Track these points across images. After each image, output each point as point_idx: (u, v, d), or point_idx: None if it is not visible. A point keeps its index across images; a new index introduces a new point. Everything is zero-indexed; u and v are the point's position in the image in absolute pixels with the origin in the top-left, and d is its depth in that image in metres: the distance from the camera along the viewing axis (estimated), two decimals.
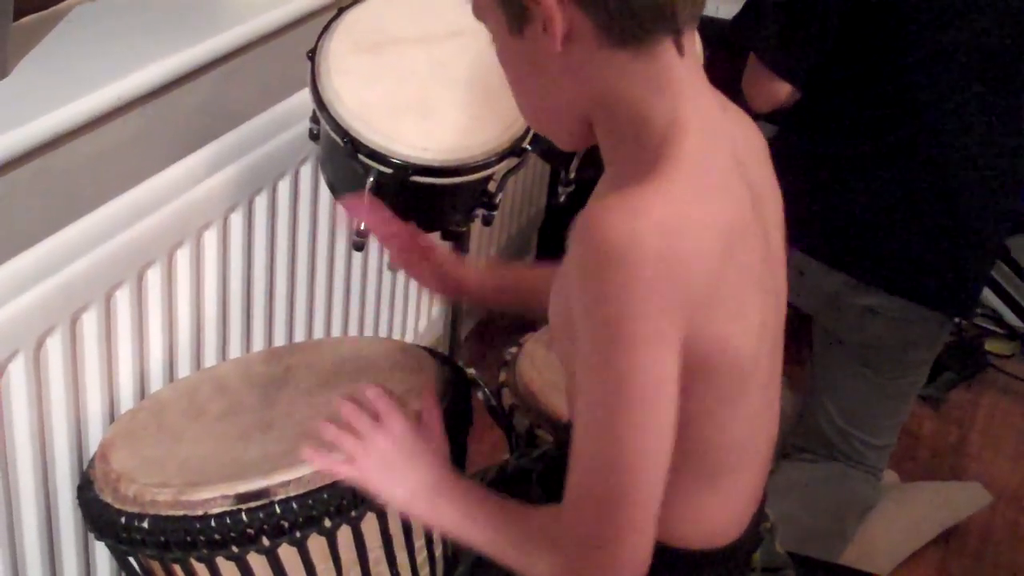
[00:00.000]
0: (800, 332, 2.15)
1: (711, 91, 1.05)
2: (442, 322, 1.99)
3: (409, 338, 2.18)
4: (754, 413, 1.11)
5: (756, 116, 2.05)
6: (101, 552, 1.53)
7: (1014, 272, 2.75)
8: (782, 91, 1.93)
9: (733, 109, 1.11)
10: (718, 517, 1.15)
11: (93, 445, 1.43)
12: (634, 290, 0.92)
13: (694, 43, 1.01)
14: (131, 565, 1.29)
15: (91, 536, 1.49)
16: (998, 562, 2.27)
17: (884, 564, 2.13)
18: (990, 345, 2.84)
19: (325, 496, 1.20)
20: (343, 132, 1.45)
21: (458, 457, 1.35)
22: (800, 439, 2.18)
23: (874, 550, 2.13)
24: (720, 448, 1.10)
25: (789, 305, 2.05)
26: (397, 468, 1.16)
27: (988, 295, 2.81)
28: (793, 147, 1.95)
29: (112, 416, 1.46)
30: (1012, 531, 2.35)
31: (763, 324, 1.07)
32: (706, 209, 0.97)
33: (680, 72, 0.99)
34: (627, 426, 0.95)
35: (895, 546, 2.19)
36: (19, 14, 1.44)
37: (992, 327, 2.87)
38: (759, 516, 1.21)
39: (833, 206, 1.94)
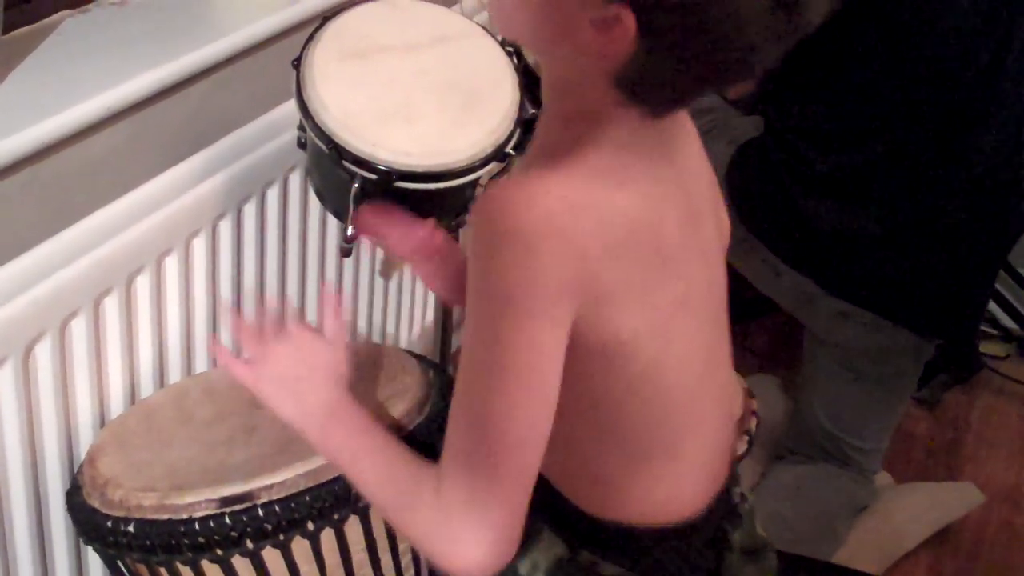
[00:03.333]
0: (792, 336, 2.17)
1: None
2: (434, 329, 2.00)
3: (402, 345, 2.19)
4: (683, 395, 1.11)
5: (746, 107, 2.07)
6: (94, 558, 1.54)
7: (1008, 275, 2.75)
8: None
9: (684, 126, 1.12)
10: (667, 495, 1.15)
11: (83, 451, 1.44)
12: (526, 263, 0.93)
13: None
14: (120, 569, 1.30)
15: (83, 541, 1.51)
16: (992, 563, 2.28)
17: (877, 564, 2.13)
18: (985, 347, 2.84)
19: (307, 499, 1.21)
20: (328, 139, 1.46)
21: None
22: (791, 441, 2.19)
23: (867, 550, 2.14)
24: (650, 428, 1.10)
25: (783, 312, 2.07)
26: (292, 381, 1.12)
27: None
28: (771, 152, 1.97)
29: (102, 422, 1.48)
30: (1006, 531, 2.35)
31: (681, 307, 1.06)
32: (619, 194, 0.98)
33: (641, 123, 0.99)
34: (502, 395, 0.95)
35: (888, 546, 2.20)
36: (9, 27, 1.46)
37: (987, 329, 2.87)
38: (725, 494, 1.21)
39: (803, 215, 1.95)
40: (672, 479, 1.15)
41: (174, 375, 1.60)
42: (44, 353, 1.37)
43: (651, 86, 0.94)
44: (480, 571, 0.97)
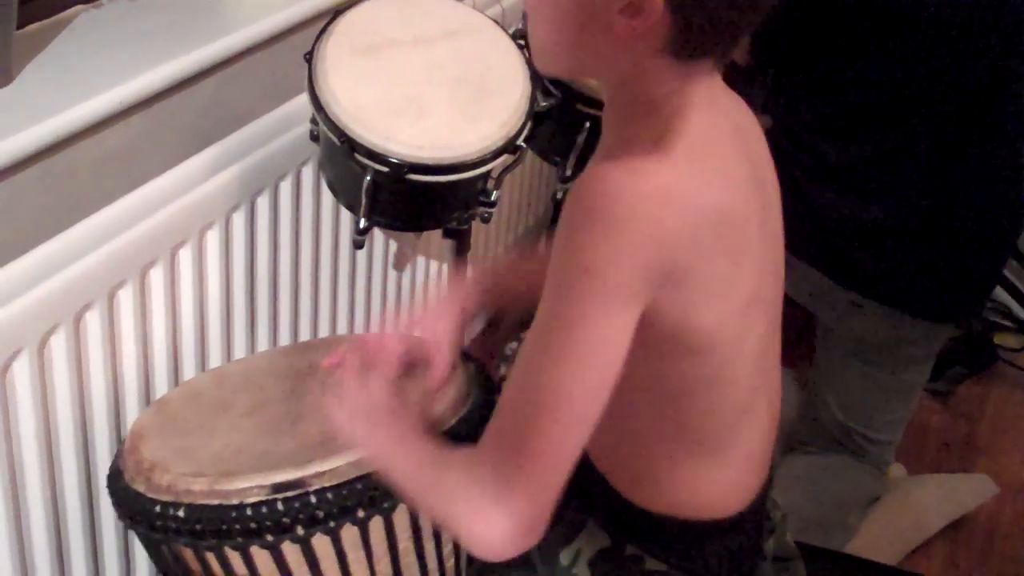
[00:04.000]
0: (806, 329, 2.17)
1: (718, 78, 1.07)
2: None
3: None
4: (749, 388, 1.13)
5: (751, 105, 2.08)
6: (109, 549, 1.56)
7: (1022, 265, 2.75)
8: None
9: (732, 94, 1.13)
10: (718, 488, 1.17)
11: (99, 442, 1.46)
12: (607, 242, 0.93)
13: None
14: (163, 554, 1.31)
15: (126, 525, 1.52)
16: (1006, 554, 2.27)
17: (891, 556, 2.13)
18: (999, 339, 2.83)
19: (359, 487, 1.21)
20: (340, 132, 1.47)
21: None
22: (804, 433, 2.19)
23: (881, 542, 2.14)
24: (715, 420, 1.12)
25: (794, 303, 2.07)
26: (368, 418, 1.16)
27: (997, 289, 2.80)
28: (780, 146, 1.97)
29: (117, 412, 1.49)
30: (1020, 523, 2.35)
31: (754, 301, 1.09)
32: (702, 185, 0.99)
33: (704, 76, 1.02)
34: (559, 373, 0.94)
35: (903, 538, 2.20)
36: (24, 22, 1.47)
37: (1001, 321, 2.87)
38: (765, 493, 1.23)
39: (812, 207, 1.96)
40: (724, 474, 1.17)
41: (188, 366, 1.61)
42: (59, 345, 1.38)
43: (699, 36, 0.96)
44: (501, 544, 0.95)
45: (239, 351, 1.71)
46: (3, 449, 1.35)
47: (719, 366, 1.07)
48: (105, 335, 1.44)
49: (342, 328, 1.95)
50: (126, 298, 1.46)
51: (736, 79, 2.08)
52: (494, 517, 0.94)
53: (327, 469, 1.22)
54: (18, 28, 1.43)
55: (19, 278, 1.34)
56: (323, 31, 1.55)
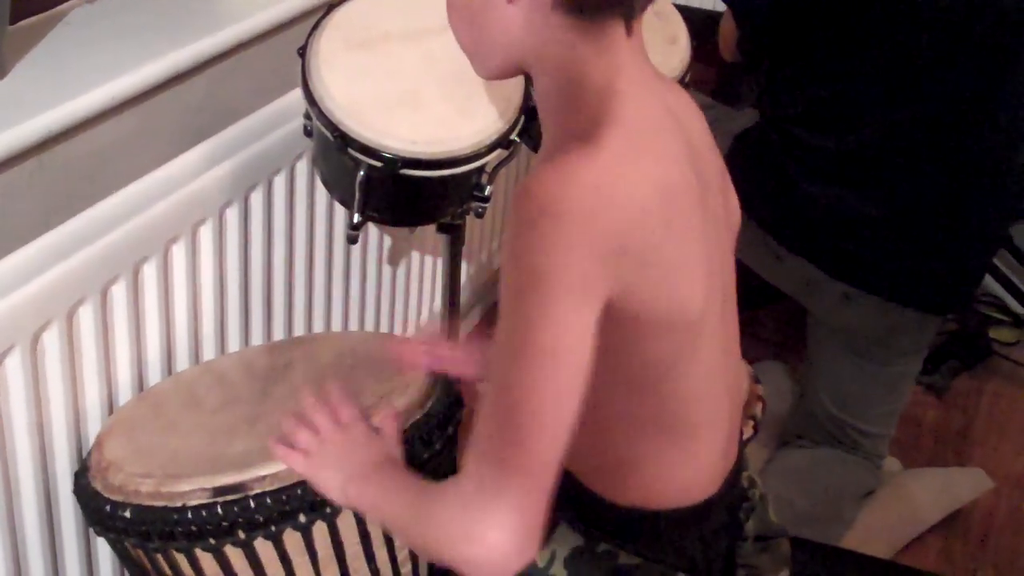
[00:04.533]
0: (800, 323, 2.17)
1: (649, 63, 1.08)
2: (441, 318, 2.01)
3: (410, 333, 2.20)
4: (710, 367, 1.13)
5: (737, 99, 2.09)
6: (103, 548, 1.55)
7: (1017, 260, 2.75)
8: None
9: (669, 80, 1.14)
10: (685, 476, 1.16)
11: (91, 438, 1.45)
12: (558, 242, 0.93)
13: (642, 25, 1.04)
14: (127, 553, 1.32)
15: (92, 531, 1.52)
16: (1001, 548, 2.28)
17: (886, 549, 2.14)
18: (994, 333, 2.84)
19: (299, 492, 1.22)
20: (333, 127, 1.47)
21: (449, 448, 1.36)
22: (798, 427, 2.19)
23: (875, 535, 2.14)
24: (679, 403, 1.11)
25: (785, 296, 2.07)
26: (342, 465, 1.17)
27: (991, 283, 2.81)
28: (769, 139, 1.97)
29: (110, 409, 1.49)
30: (1015, 517, 2.35)
31: (709, 276, 1.08)
32: (641, 168, 0.99)
33: (623, 47, 1.02)
34: (531, 380, 0.93)
35: (898, 531, 2.20)
36: (17, 17, 1.47)
37: (996, 315, 2.87)
38: (735, 474, 1.23)
39: (802, 199, 1.96)
40: (690, 460, 1.16)
41: (181, 362, 1.61)
42: (52, 341, 1.37)
43: None
44: (504, 560, 0.93)
45: (232, 347, 1.71)
46: None
47: (680, 345, 1.07)
48: (98, 331, 1.44)
49: (336, 323, 1.95)
50: (119, 294, 1.46)
51: (730, 75, 2.09)
52: (490, 536, 0.92)
53: (269, 473, 1.22)
54: (12, 23, 1.43)
55: (12, 274, 1.34)
56: (316, 26, 1.55)
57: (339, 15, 1.55)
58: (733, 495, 1.23)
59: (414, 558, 1.36)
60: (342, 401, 1.24)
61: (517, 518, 0.92)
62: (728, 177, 1.18)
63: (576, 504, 1.17)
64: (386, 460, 1.18)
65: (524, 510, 0.93)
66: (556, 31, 1.00)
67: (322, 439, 1.20)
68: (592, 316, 0.96)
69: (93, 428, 1.47)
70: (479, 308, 2.63)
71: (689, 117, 1.13)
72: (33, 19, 1.52)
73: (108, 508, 1.25)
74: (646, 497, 1.15)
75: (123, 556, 1.33)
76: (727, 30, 2.03)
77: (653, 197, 0.99)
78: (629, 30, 1.01)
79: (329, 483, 1.17)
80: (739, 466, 1.24)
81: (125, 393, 1.51)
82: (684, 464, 1.15)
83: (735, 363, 1.21)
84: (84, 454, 1.45)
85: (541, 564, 1.18)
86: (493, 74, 1.10)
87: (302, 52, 1.53)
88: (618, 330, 1.00)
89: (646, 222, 0.98)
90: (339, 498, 1.16)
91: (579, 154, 0.97)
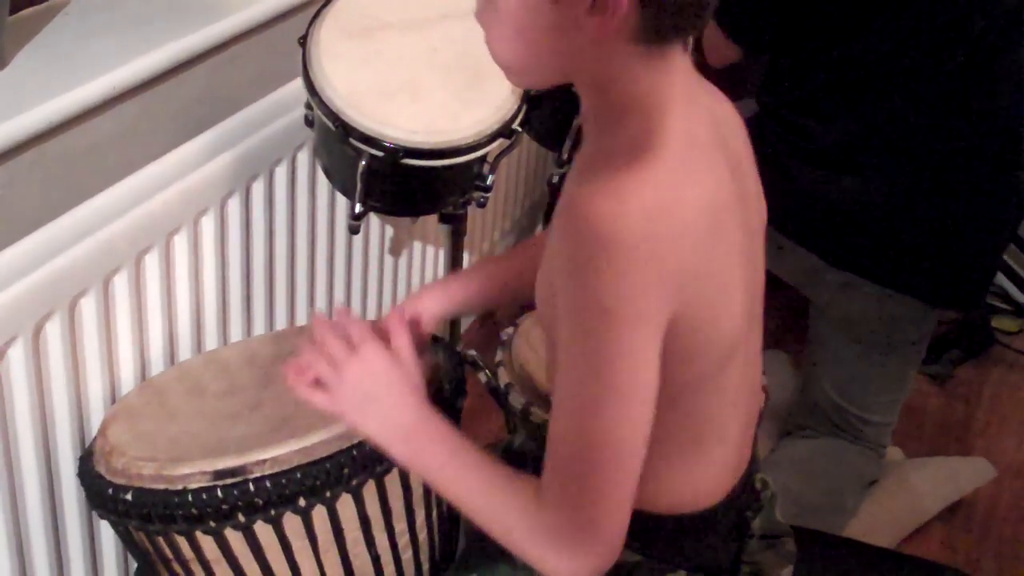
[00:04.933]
0: (803, 313, 2.17)
1: (695, 74, 1.06)
2: None
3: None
4: (734, 383, 1.13)
5: (739, 94, 2.09)
6: (106, 532, 1.56)
7: (1020, 249, 2.75)
8: (732, 51, 1.97)
9: (709, 86, 1.12)
10: (704, 482, 1.17)
11: (94, 427, 1.45)
12: (622, 274, 0.93)
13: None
14: (130, 536, 1.32)
15: (96, 521, 1.52)
16: (1004, 537, 2.28)
17: (888, 539, 2.14)
18: (996, 322, 2.83)
19: (298, 476, 1.22)
20: (334, 117, 1.47)
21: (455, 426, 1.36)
22: (800, 416, 2.19)
23: (878, 525, 2.14)
24: (707, 417, 1.12)
25: (787, 285, 2.07)
26: (373, 401, 1.13)
27: None
28: (769, 127, 1.97)
29: (112, 399, 1.49)
30: (1018, 506, 2.35)
31: (746, 293, 1.09)
32: (693, 187, 0.98)
33: (678, 63, 1.00)
34: (608, 410, 0.96)
35: (901, 520, 2.20)
36: (16, 7, 1.47)
37: (998, 304, 2.87)
38: (748, 478, 1.23)
39: (802, 188, 1.95)
40: (704, 470, 1.17)
41: (184, 352, 1.61)
42: (54, 331, 1.37)
43: (665, 17, 0.95)
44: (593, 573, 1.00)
45: (235, 336, 1.71)
46: None
47: (717, 364, 1.07)
48: (101, 321, 1.44)
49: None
50: (121, 284, 1.46)
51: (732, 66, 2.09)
52: (574, 566, 0.99)
53: (269, 457, 1.23)
54: (11, 13, 1.42)
55: (14, 265, 1.34)
56: (317, 15, 1.55)
57: (340, 4, 1.55)
58: (743, 498, 1.23)
59: (415, 543, 1.36)
60: (350, 320, 1.18)
61: (606, 553, 0.99)
62: (760, 185, 1.17)
63: None
64: (423, 404, 1.13)
65: (612, 546, 0.99)
66: (624, 57, 0.97)
67: (339, 371, 1.14)
68: (658, 344, 0.97)
69: (96, 417, 1.47)
70: (474, 308, 2.63)
71: (732, 129, 1.12)
72: (33, 9, 1.52)
73: (111, 491, 1.26)
74: (655, 503, 1.14)
75: (126, 539, 1.34)
76: (711, 37, 2.02)
77: (704, 218, 0.99)
78: (685, 45, 1.00)
79: (365, 427, 1.13)
80: (752, 468, 1.25)
81: (128, 383, 1.51)
82: (696, 474, 1.16)
83: (756, 375, 1.21)
84: (87, 443, 1.45)
85: None
86: (532, 86, 1.08)
87: (303, 42, 1.53)
88: (671, 348, 1.00)
89: (699, 244, 0.98)
90: (381, 443, 1.12)
91: (631, 174, 0.96)
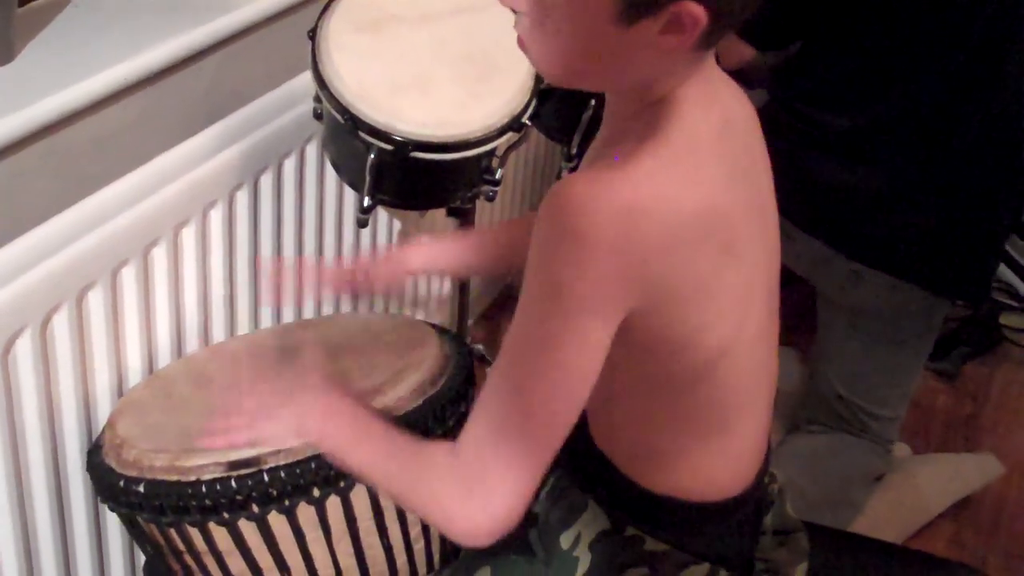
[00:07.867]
0: (811, 308, 2.16)
1: (717, 68, 1.06)
2: (452, 300, 2.01)
3: (419, 316, 2.20)
4: (748, 378, 1.14)
5: (749, 83, 2.08)
6: (113, 525, 1.56)
7: None
8: (747, 51, 1.96)
9: (734, 87, 1.12)
10: (720, 472, 1.18)
11: (101, 419, 1.46)
12: (581, 264, 0.94)
13: None
14: (140, 530, 1.32)
15: (102, 507, 1.52)
16: (1012, 533, 2.27)
17: (895, 535, 2.13)
18: (1005, 319, 2.83)
19: (313, 466, 1.23)
20: (344, 110, 1.47)
21: (462, 425, 1.36)
22: (808, 411, 2.19)
23: (886, 520, 2.14)
24: (717, 409, 1.13)
25: (798, 278, 2.06)
26: (283, 407, 1.17)
27: (1002, 269, 2.80)
28: (778, 118, 1.96)
29: (119, 391, 1.49)
30: None
31: (747, 293, 1.09)
32: (679, 189, 0.98)
33: (705, 60, 1.01)
34: (543, 379, 0.98)
35: (909, 517, 2.20)
36: (25, 0, 1.47)
37: (1007, 300, 2.86)
38: (763, 474, 1.23)
39: (812, 177, 1.95)
40: (726, 458, 1.18)
41: (191, 344, 1.61)
42: (62, 323, 1.37)
43: (724, 25, 0.95)
44: (482, 540, 1.00)
45: (242, 329, 1.71)
46: (6, 427, 1.34)
47: (711, 359, 1.08)
48: (108, 314, 1.44)
49: (345, 307, 1.95)
50: (129, 277, 1.46)
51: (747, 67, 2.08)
52: (478, 518, 0.99)
53: (283, 448, 1.23)
54: (20, 5, 1.42)
55: (22, 257, 1.34)
56: (326, 8, 1.54)
57: None
58: (760, 493, 1.24)
59: (427, 535, 1.36)
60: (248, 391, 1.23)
61: (511, 509, 0.99)
62: (772, 185, 1.17)
63: (607, 485, 1.19)
64: (331, 392, 1.17)
65: (517, 503, 0.99)
66: (682, 64, 0.99)
67: (246, 411, 1.20)
68: (609, 331, 0.98)
69: (103, 409, 1.47)
70: (489, 292, 2.63)
71: (747, 128, 1.12)
72: (42, 2, 1.52)
73: (122, 483, 1.26)
74: (678, 488, 1.16)
75: (135, 531, 1.34)
76: (729, 46, 2.01)
77: (688, 221, 0.98)
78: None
79: (278, 428, 1.17)
80: (767, 465, 1.25)
81: (135, 375, 1.51)
82: (718, 460, 1.17)
83: (774, 368, 1.21)
84: (94, 435, 1.45)
85: (565, 546, 1.19)
86: (565, 85, 1.07)
87: (312, 35, 1.52)
88: (640, 341, 1.02)
89: (675, 247, 0.98)
90: (300, 436, 1.17)
91: (616, 169, 0.97)
